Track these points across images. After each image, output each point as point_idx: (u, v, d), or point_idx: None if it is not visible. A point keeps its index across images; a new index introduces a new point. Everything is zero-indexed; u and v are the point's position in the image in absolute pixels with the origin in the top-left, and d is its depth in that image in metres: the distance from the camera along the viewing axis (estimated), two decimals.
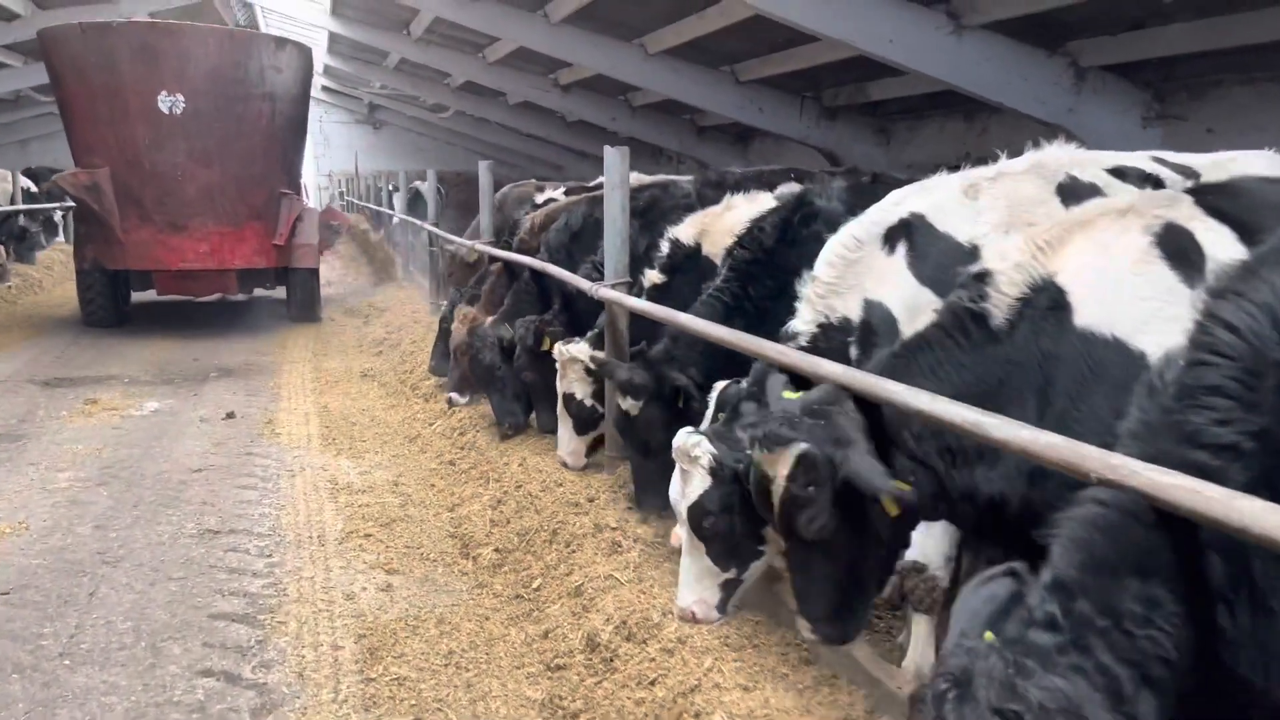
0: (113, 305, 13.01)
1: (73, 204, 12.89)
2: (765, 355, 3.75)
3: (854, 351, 3.72)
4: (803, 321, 3.84)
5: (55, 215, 21.32)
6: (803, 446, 2.85)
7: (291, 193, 13.38)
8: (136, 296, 14.36)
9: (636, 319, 5.55)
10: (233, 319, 14.57)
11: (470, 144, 29.83)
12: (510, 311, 6.74)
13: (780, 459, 2.90)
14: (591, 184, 8.07)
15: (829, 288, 3.83)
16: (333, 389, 9.57)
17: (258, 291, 15.00)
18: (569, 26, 12.06)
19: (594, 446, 6.07)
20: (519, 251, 6.98)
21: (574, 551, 4.79)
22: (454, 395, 7.75)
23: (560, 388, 5.76)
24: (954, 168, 7.46)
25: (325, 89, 25.02)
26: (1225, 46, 7.17)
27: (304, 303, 13.69)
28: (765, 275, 4.63)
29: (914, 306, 3.69)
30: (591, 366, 5.55)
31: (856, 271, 3.82)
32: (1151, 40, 7.69)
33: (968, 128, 11.27)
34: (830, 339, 3.76)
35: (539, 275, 6.62)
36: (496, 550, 5.21)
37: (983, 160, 11.36)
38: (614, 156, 5.71)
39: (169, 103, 11.78)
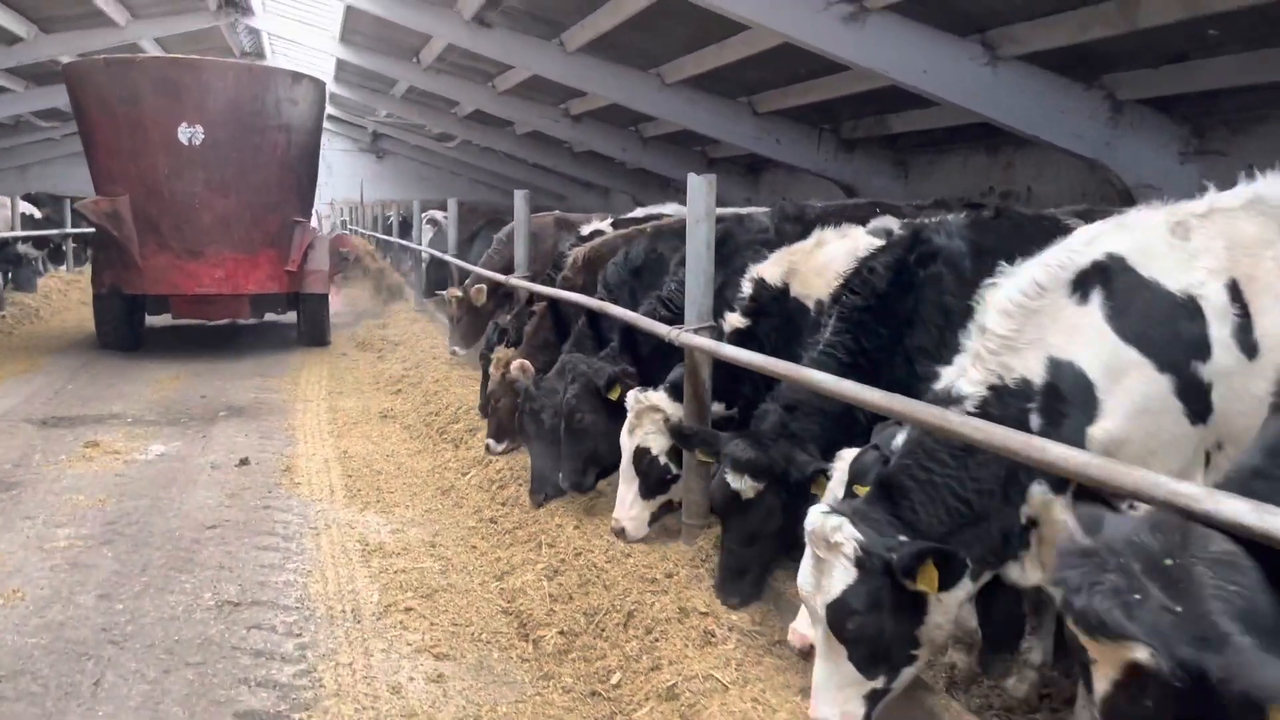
0: (128, 329, 13.32)
1: (76, 231, 13.10)
2: (954, 432, 2.93)
3: (1036, 421, 3.11)
4: (969, 382, 3.19)
5: (65, 243, 21.08)
6: (1145, 655, 1.90)
7: (304, 220, 13.77)
8: (149, 320, 14.51)
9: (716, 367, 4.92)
10: (241, 349, 13.74)
11: (474, 173, 29.75)
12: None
13: (1108, 653, 1.97)
14: (640, 214, 7.68)
15: (1004, 342, 3.17)
16: (351, 431, 8.80)
17: (267, 317, 14.92)
18: (585, 56, 11.88)
19: (659, 513, 5.28)
20: (563, 289, 6.40)
21: (657, 640, 4.08)
22: (490, 442, 7.07)
23: (630, 441, 5.01)
24: (973, 205, 7.30)
25: (330, 117, 24.87)
26: (1273, 80, 6.95)
27: (314, 327, 13.96)
28: (878, 324, 3.94)
29: (1115, 368, 3.12)
30: (671, 418, 4.89)
31: (1038, 324, 3.18)
32: (1191, 73, 7.47)
33: (991, 161, 11.06)
34: (1005, 405, 3.13)
35: (595, 317, 5.93)
36: (561, 633, 4.43)
37: (1008, 195, 11.16)
38: (700, 185, 4.89)
39: (189, 134, 12.19)
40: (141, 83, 12.12)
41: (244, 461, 7.64)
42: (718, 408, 5.10)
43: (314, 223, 15.41)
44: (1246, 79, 7.20)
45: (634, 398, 4.95)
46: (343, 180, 32.32)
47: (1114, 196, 9.64)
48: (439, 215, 17.30)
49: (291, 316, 14.86)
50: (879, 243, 4.35)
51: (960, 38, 7.78)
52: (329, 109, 19.22)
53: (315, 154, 14.19)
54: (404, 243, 16.73)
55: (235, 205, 12.62)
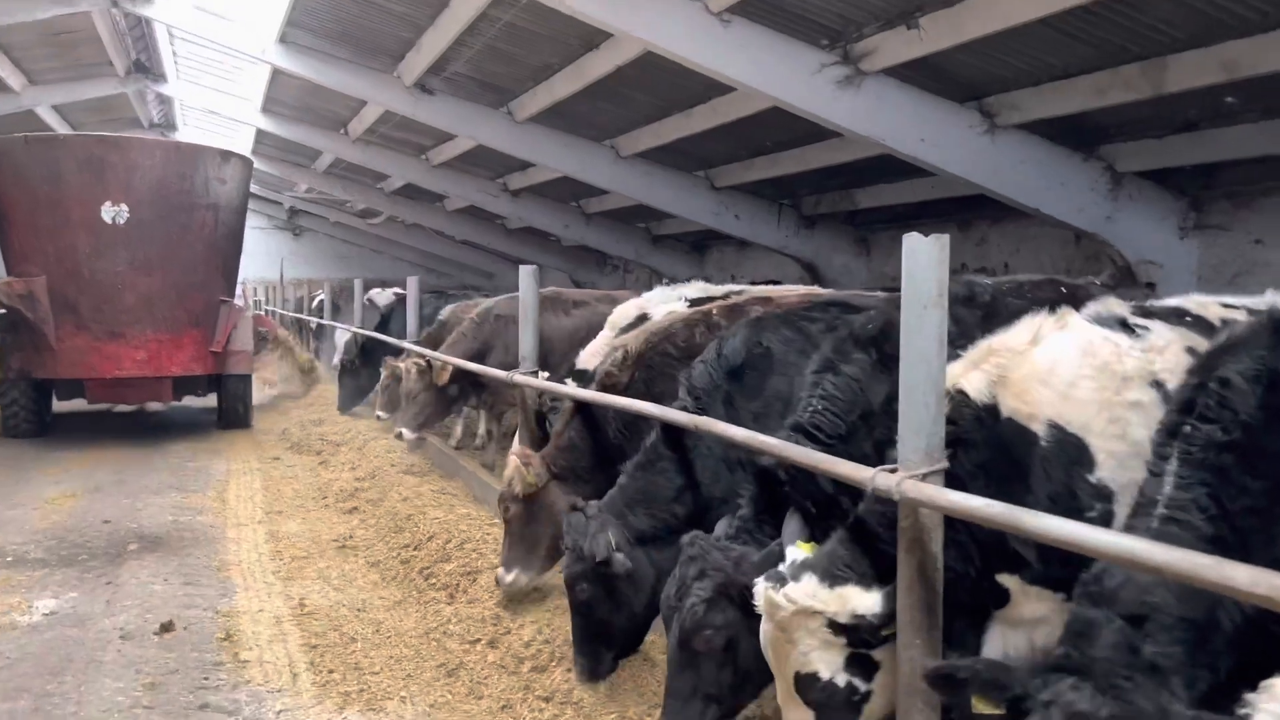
0: (35, 416, 12.60)
1: None
2: None
3: None
4: None
5: None
6: None
7: (230, 300, 13.35)
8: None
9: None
10: (151, 453, 11.39)
11: (398, 250, 28.72)
12: (638, 496, 4.12)
13: None
14: (719, 293, 6.44)
15: None
16: (304, 571, 6.60)
17: (183, 401, 13.57)
18: (535, 126, 11.20)
19: None
20: (602, 390, 4.73)
21: None
22: (500, 573, 5.16)
23: (785, 665, 3.04)
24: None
25: None
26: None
27: (236, 410, 13.40)
28: (1245, 470, 2.45)
29: None
30: (839, 615, 2.93)
31: None
32: (1199, 144, 7.13)
33: (963, 238, 10.65)
34: None
35: (673, 433, 4.06)
36: None
37: (981, 270, 10.70)
38: (928, 249, 2.99)
39: (113, 213, 11.84)
40: (65, 161, 11.80)
41: (166, 627, 5.49)
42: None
43: (239, 300, 14.77)
44: (1257, 150, 6.87)
45: (770, 592, 2.98)
46: (256, 259, 30.70)
47: (1090, 270, 9.33)
48: (379, 294, 16.08)
49: (208, 402, 14.22)
50: (1123, 338, 3.09)
51: (959, 104, 7.32)
52: None
53: (241, 232, 13.95)
54: (342, 326, 14.70)
55: (160, 284, 12.22)
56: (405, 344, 10.47)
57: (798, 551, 3.08)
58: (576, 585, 4.02)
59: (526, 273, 6.21)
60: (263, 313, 22.18)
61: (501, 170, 15.23)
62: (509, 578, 5.03)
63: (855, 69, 6.97)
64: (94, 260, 11.89)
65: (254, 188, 24.84)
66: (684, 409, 3.96)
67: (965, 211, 10.40)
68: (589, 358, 6.16)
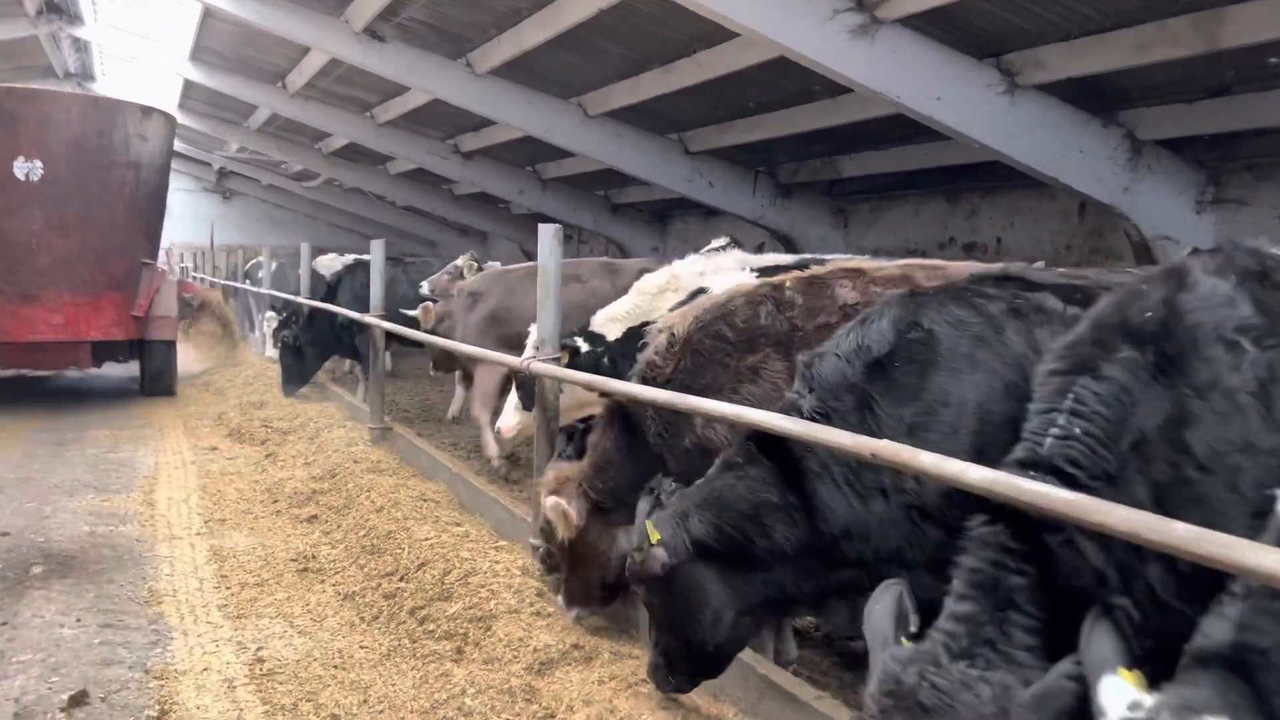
0: None
1: None
2: None
3: None
4: None
5: None
6: None
7: (153, 262, 12.80)
8: None
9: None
10: (66, 440, 9.76)
11: (334, 216, 27.45)
12: (709, 498, 3.15)
13: None
14: (787, 262, 5.59)
15: None
16: (258, 604, 5.17)
17: (103, 374, 12.34)
18: (496, 80, 10.31)
19: None
20: (644, 382, 3.89)
21: None
22: (560, 599, 4.37)
23: None
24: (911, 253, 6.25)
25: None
26: None
27: (159, 377, 12.87)
28: None
29: None
30: None
31: None
32: (1230, 110, 6.63)
33: (950, 209, 10.13)
34: None
35: (775, 444, 3.05)
36: None
37: (972, 246, 10.16)
38: None
39: (25, 169, 11.32)
40: None
41: (77, 700, 3.99)
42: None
43: (162, 264, 14.06)
44: None
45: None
46: (184, 223, 29.12)
47: (1095, 247, 8.88)
48: (326, 261, 14.99)
49: (131, 369, 13.55)
50: None
51: (977, 60, 6.70)
52: None
53: (164, 193, 13.47)
54: (297, 298, 12.56)
55: (78, 246, 11.71)
56: (367, 318, 9.21)
57: (1122, 688, 1.84)
58: (631, 583, 3.41)
59: (548, 234, 5.06)
60: (190, 279, 20.87)
61: (453, 130, 14.27)
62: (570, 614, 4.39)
63: (870, 17, 6.29)
64: (6, 219, 11.39)
65: (181, 146, 23.36)
66: (797, 411, 2.89)
67: (953, 182, 9.86)
68: (606, 321, 5.43)
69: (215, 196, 29.98)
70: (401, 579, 5.20)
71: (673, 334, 3.85)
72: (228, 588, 5.45)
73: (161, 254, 18.02)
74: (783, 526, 3.02)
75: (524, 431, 6.67)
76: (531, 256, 18.53)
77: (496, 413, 8.19)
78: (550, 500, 3.96)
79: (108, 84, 19.21)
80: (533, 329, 5.71)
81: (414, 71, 10.42)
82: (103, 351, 12.56)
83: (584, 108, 10.54)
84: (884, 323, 3.00)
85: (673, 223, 15.61)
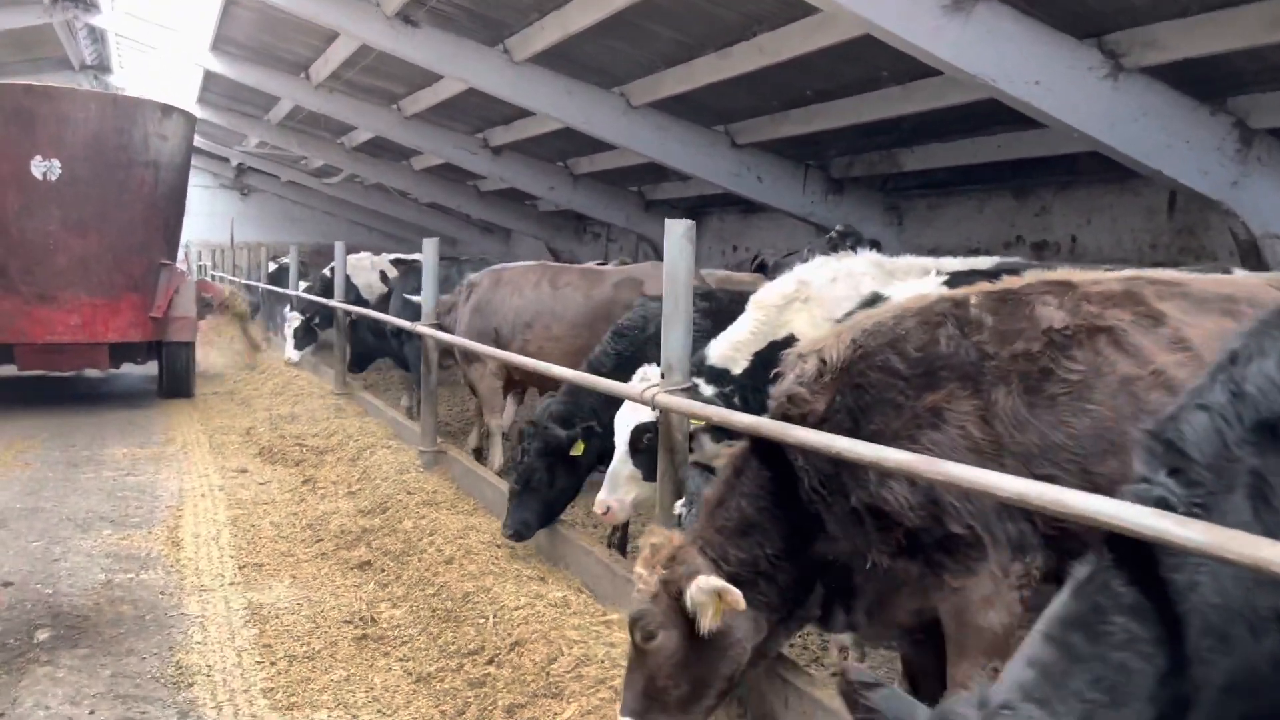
0: None
1: None
2: None
3: None
4: None
5: None
6: None
7: (171, 263, 12.60)
8: None
9: None
10: (78, 458, 8.88)
11: (354, 214, 26.97)
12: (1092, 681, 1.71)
13: None
14: (982, 267, 4.83)
15: None
16: (313, 688, 4.23)
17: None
18: (535, 68, 9.76)
19: None
20: (784, 420, 3.06)
21: None
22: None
23: None
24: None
25: None
26: None
27: (178, 378, 12.67)
28: None
29: None
30: None
31: None
32: None
33: (1018, 206, 9.51)
34: None
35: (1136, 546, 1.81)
36: None
37: (1042, 246, 9.55)
38: None
39: (43, 168, 11.21)
40: None
41: None
42: None
43: (180, 264, 13.85)
44: None
45: None
46: (201, 220, 28.66)
47: (1185, 246, 8.25)
48: (367, 260, 14.31)
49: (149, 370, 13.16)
50: None
51: (1078, 41, 6.08)
52: None
53: (183, 193, 13.19)
54: (329, 302, 12.04)
55: (96, 246, 11.59)
56: (420, 327, 8.07)
57: None
58: None
59: (677, 231, 4.10)
60: (209, 278, 20.44)
61: (482, 124, 13.73)
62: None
63: None
64: (23, 219, 11.25)
65: (200, 142, 22.90)
66: (1159, 501, 1.79)
67: (1022, 176, 9.26)
68: (729, 351, 4.66)
69: (233, 193, 29.57)
70: (491, 662, 4.12)
71: (823, 360, 3.03)
72: (272, 662, 4.45)
73: (180, 253, 17.67)
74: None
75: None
76: (558, 254, 18.02)
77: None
78: (705, 582, 2.79)
79: (125, 76, 18.77)
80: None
81: (448, 59, 9.87)
82: (121, 353, 12.40)
83: (627, 98, 9.96)
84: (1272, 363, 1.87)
85: (709, 220, 15.03)
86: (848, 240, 7.76)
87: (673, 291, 4.08)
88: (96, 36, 16.68)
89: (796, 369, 3.12)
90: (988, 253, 9.67)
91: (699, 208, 14.91)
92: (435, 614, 4.76)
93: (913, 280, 4.38)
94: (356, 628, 4.81)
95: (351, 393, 11.15)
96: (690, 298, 4.05)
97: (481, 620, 4.43)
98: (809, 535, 2.96)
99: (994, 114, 8.18)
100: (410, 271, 11.61)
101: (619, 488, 4.78)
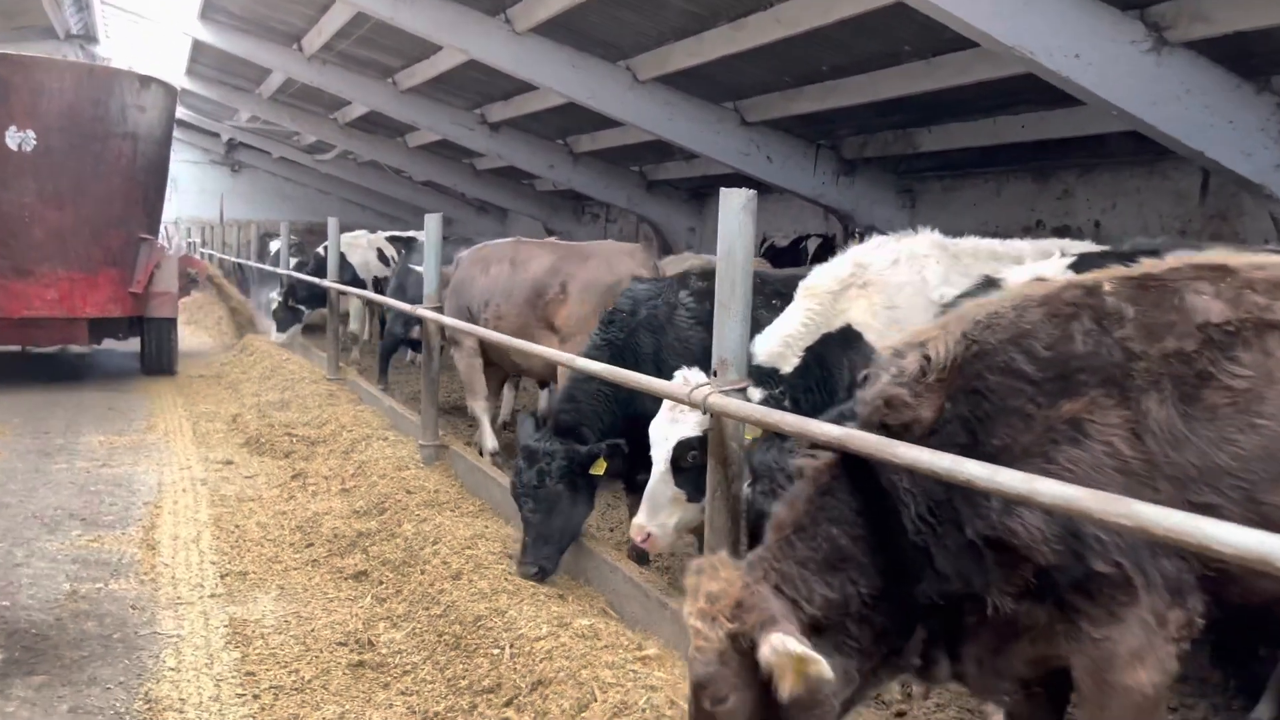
0: None
1: None
2: None
3: None
4: None
5: None
6: None
7: (151, 238, 12.35)
8: None
9: None
10: (53, 443, 8.38)
11: (348, 191, 26.49)
12: None
13: None
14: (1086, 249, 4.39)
15: None
16: None
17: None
18: (538, 39, 9.36)
19: None
20: (883, 431, 2.50)
21: None
22: None
23: None
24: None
25: (177, 122, 21.09)
26: None
27: (160, 355, 12.54)
28: None
29: None
30: None
31: None
32: None
33: (1039, 189, 9.17)
34: None
35: None
36: None
37: (1064, 230, 9.21)
38: None
39: (18, 139, 11.03)
40: None
41: None
42: None
43: (162, 240, 13.53)
44: None
45: None
46: (190, 197, 28.27)
47: (1216, 232, 7.92)
48: (364, 238, 13.72)
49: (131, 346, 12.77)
50: None
51: (1120, 12, 5.73)
52: (178, 110, 15.83)
53: (164, 166, 13.02)
54: (349, 290, 11.35)
55: (72, 219, 11.44)
56: (421, 310, 7.49)
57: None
58: None
59: (736, 202, 3.45)
60: (195, 254, 20.00)
61: (480, 99, 13.31)
62: None
63: None
64: None
65: (189, 116, 22.43)
66: None
67: (1043, 158, 8.92)
68: (778, 347, 3.99)
69: (223, 169, 29.05)
70: (509, 704, 3.56)
71: (927, 358, 2.50)
72: (256, 695, 3.88)
73: (170, 227, 17.33)
74: None
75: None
76: (556, 234, 17.61)
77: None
78: (782, 644, 2.22)
79: (111, 46, 18.24)
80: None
81: (447, 28, 9.46)
82: (101, 328, 12.27)
83: (633, 72, 9.57)
84: None
85: (712, 202, 14.64)
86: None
87: (729, 274, 3.45)
88: (82, 5, 16.17)
89: (893, 368, 2.57)
90: (1005, 238, 9.41)
91: (702, 189, 14.54)
92: (442, 639, 4.16)
93: (1031, 263, 3.89)
94: (352, 651, 4.26)
95: (345, 378, 10.63)
96: (749, 281, 3.45)
97: (496, 651, 3.85)
98: (912, 571, 2.47)
99: (1019, 92, 7.86)
100: (413, 248, 11.32)
101: (660, 511, 4.11)
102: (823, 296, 4.22)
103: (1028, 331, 2.44)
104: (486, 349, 7.72)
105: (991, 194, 9.65)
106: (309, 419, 8.62)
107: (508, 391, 9.56)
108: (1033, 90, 7.76)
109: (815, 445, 2.68)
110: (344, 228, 14.19)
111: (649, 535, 4.14)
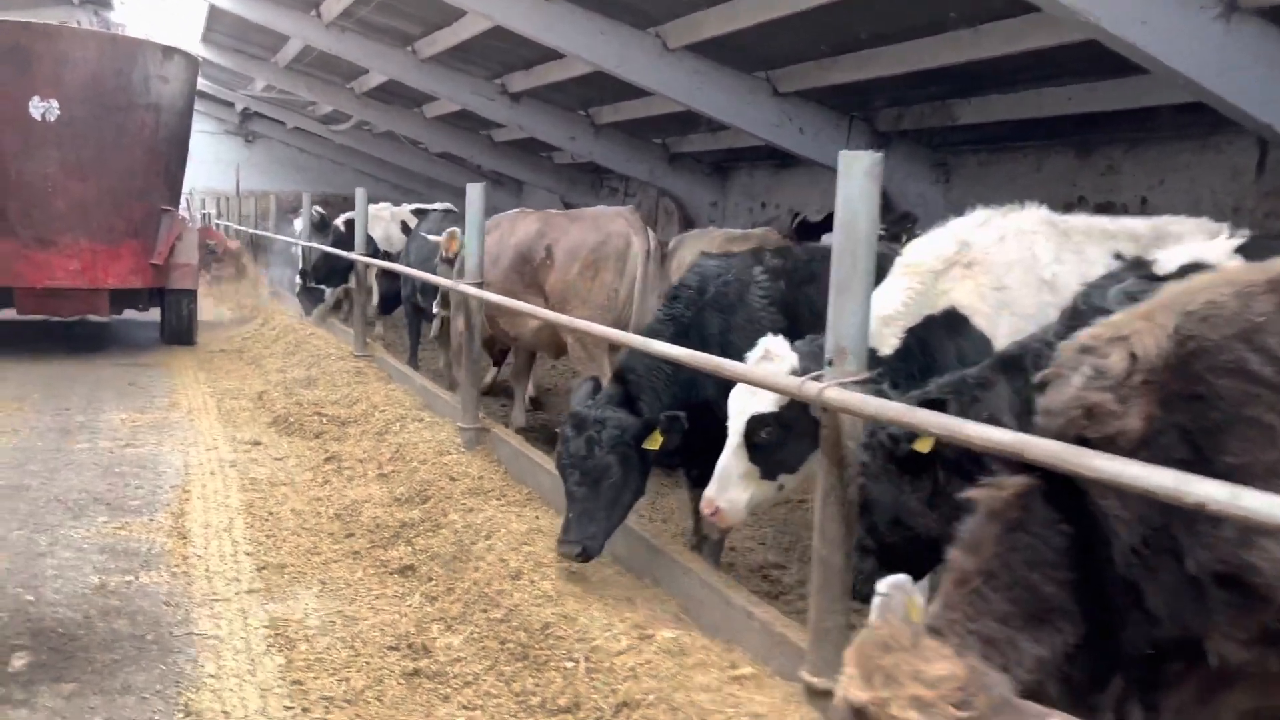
0: None
1: None
2: None
3: None
4: None
5: None
6: None
7: (173, 209, 12.46)
8: None
9: None
10: (75, 421, 8.13)
11: (362, 163, 26.18)
12: None
13: None
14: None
15: None
16: None
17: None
18: (566, 5, 9.10)
19: None
20: (1077, 442, 2.08)
21: None
22: None
23: None
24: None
25: None
26: None
27: (180, 326, 12.60)
28: None
29: None
30: None
31: None
32: None
33: (1081, 164, 8.88)
34: None
35: None
36: None
37: (1108, 207, 8.93)
38: None
39: (42, 109, 10.98)
40: None
41: None
42: None
43: (183, 211, 13.69)
44: None
45: None
46: (204, 167, 27.85)
47: (1273, 210, 7.65)
48: (387, 210, 13.29)
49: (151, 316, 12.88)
50: None
51: None
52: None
53: (186, 137, 12.99)
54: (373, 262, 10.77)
55: (95, 190, 11.41)
56: (463, 285, 6.90)
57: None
58: None
59: (859, 166, 3.04)
60: (213, 226, 19.87)
61: (502, 68, 13.03)
62: None
63: None
64: (21, 160, 11.04)
65: (204, 85, 22.11)
66: None
67: (1087, 132, 8.62)
68: (873, 326, 3.78)
69: (237, 139, 28.79)
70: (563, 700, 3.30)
71: (1133, 355, 2.10)
72: (305, 708, 3.55)
73: (183, 199, 17.16)
74: None
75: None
76: (572, 209, 17.38)
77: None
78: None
79: (125, 12, 17.99)
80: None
81: None
82: (121, 299, 12.30)
83: (663, 39, 9.29)
84: None
85: (736, 175, 14.38)
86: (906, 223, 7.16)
87: (849, 249, 3.02)
88: None
89: (1087, 368, 2.16)
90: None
91: (726, 162, 14.26)
92: (505, 648, 3.77)
93: (1191, 244, 3.47)
94: (405, 657, 3.88)
95: (373, 355, 10.27)
96: (873, 257, 3.04)
97: (570, 664, 3.45)
98: (1119, 614, 2.11)
99: (1067, 62, 7.57)
100: (424, 218, 11.31)
101: (731, 486, 3.88)
102: (924, 275, 3.90)
103: (1259, 325, 2.03)
104: (488, 323, 7.61)
105: (1031, 169, 9.35)
106: (338, 398, 8.31)
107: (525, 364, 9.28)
108: (1083, 60, 7.49)
109: (1001, 461, 2.21)
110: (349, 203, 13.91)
111: (718, 509, 3.91)
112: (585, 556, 4.27)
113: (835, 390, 2.90)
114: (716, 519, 3.92)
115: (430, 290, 9.78)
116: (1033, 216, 4.10)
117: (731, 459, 3.90)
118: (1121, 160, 8.50)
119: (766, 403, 3.74)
